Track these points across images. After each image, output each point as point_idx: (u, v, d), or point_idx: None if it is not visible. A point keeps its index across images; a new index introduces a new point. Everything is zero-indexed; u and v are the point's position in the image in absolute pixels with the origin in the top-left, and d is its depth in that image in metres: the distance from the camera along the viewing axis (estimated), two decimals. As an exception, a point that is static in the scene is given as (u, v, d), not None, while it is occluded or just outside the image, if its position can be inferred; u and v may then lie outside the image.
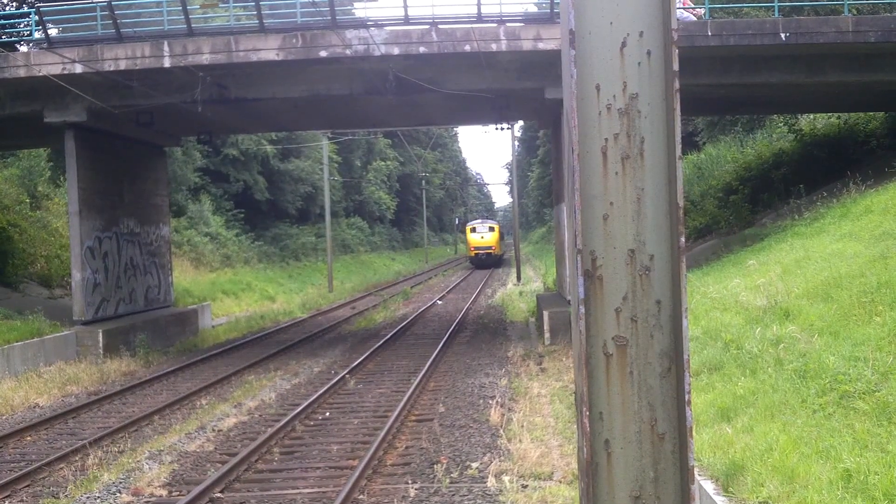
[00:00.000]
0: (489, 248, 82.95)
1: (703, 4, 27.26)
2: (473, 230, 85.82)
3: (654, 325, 3.38)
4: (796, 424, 10.37)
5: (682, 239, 3.31)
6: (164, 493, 13.38)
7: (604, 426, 3.41)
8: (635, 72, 3.40)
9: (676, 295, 3.34)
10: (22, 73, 25.76)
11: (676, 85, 3.32)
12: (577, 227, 3.35)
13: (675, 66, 3.32)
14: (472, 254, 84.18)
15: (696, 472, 9.84)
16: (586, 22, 3.39)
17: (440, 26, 25.53)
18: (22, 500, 13.49)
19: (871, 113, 34.56)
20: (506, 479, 12.87)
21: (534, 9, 37.49)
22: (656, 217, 3.38)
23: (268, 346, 30.78)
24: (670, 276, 3.37)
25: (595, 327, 3.41)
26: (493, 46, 25.16)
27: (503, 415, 17.31)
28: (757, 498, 8.82)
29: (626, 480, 3.41)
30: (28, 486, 14.13)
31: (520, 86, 27.01)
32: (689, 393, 3.30)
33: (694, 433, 10.08)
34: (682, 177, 3.35)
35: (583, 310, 3.37)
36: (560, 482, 12.70)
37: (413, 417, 18.19)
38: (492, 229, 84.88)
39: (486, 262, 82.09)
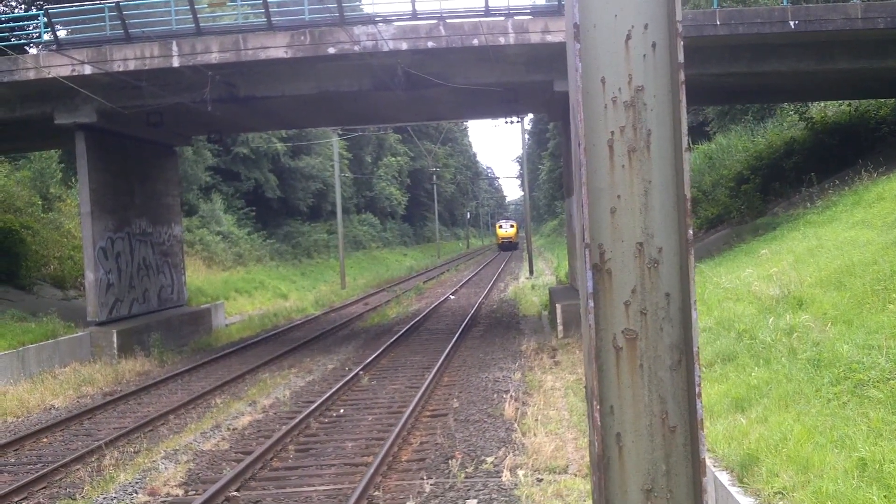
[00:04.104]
0: (510, 238, 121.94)
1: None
2: (500, 226, 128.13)
3: (664, 318, 3.37)
4: (810, 414, 10.34)
5: (691, 231, 3.30)
6: (180, 492, 13.43)
7: (615, 420, 3.40)
8: (641, 64, 3.38)
9: (685, 287, 3.33)
10: (32, 75, 25.82)
11: (682, 77, 3.30)
12: (584, 221, 3.34)
13: (681, 58, 3.30)
14: (499, 241, 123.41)
15: (707, 465, 9.82)
16: (591, 15, 3.37)
17: (448, 20, 25.51)
18: (39, 502, 13.54)
19: (882, 100, 34.42)
20: (521, 473, 12.87)
21: (542, 1, 37.43)
22: (664, 209, 3.36)
23: (281, 343, 30.84)
24: (679, 268, 3.36)
25: (604, 321, 3.39)
26: (501, 40, 25.13)
27: (517, 409, 17.31)
28: (772, 488, 8.80)
29: (638, 474, 3.40)
30: (45, 487, 14.18)
31: (528, 79, 26.99)
32: (699, 385, 3.30)
33: (706, 425, 10.02)
34: (689, 169, 3.34)
35: (592, 304, 3.36)
36: (575, 475, 12.70)
37: (427, 413, 18.21)
38: (512, 226, 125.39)
39: (508, 247, 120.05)
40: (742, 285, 18.85)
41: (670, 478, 3.40)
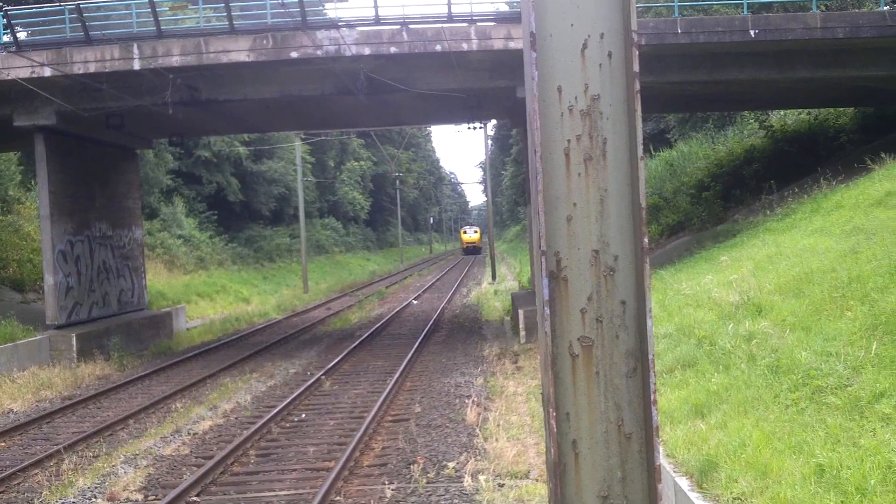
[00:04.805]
0: (474, 242, 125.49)
1: (673, 3, 27.37)
2: (465, 232, 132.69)
3: (620, 326, 3.40)
4: (769, 420, 10.43)
5: (646, 239, 3.33)
6: (140, 497, 13.34)
7: (571, 427, 3.41)
8: (597, 73, 3.40)
9: (641, 295, 3.36)
10: (-10, 76, 25.62)
11: (637, 86, 3.33)
12: (540, 229, 3.36)
13: (636, 68, 3.33)
14: (464, 246, 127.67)
15: (665, 471, 9.85)
16: (547, 24, 3.39)
17: (411, 26, 25.52)
18: (-5, 507, 13.42)
19: (841, 108, 34.78)
20: (482, 478, 12.89)
21: (505, 8, 37.52)
22: (620, 218, 3.39)
23: (243, 348, 30.69)
24: (634, 276, 3.39)
25: (561, 328, 3.41)
26: (464, 46, 25.16)
27: (479, 414, 17.33)
28: (731, 494, 8.86)
29: (593, 480, 3.42)
30: (2, 492, 14.03)
31: (491, 85, 27.03)
32: (654, 392, 3.32)
33: (665, 431, 10.08)
34: (645, 177, 3.36)
35: (548, 311, 3.38)
36: (537, 480, 12.72)
37: (389, 418, 18.18)
38: (476, 231, 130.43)
39: (472, 251, 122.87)
40: (702, 292, 18.97)
41: (626, 484, 3.42)
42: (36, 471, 15.17)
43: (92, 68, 25.50)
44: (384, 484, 13.25)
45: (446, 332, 32.74)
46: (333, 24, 25.97)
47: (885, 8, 25.64)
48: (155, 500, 13.13)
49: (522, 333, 26.73)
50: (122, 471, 14.91)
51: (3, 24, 26.58)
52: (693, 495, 9.23)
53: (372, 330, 33.28)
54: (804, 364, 11.41)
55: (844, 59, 26.11)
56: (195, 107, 28.01)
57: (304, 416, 18.87)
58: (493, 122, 75.65)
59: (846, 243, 17.23)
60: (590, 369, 3.41)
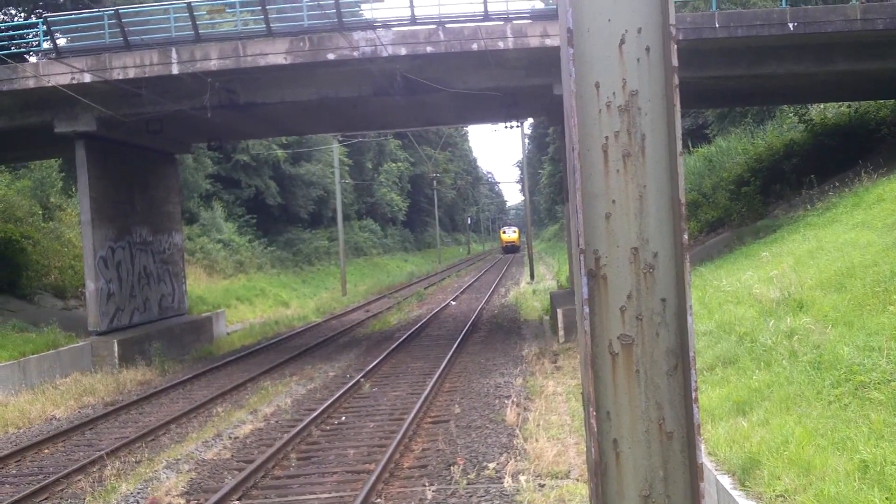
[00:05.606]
0: (513, 242, 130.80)
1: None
2: (504, 231, 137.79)
3: (660, 324, 3.36)
4: (812, 416, 10.32)
5: (685, 236, 3.29)
6: (182, 501, 13.40)
7: (611, 426, 3.38)
8: (634, 68, 3.37)
9: (681, 292, 3.32)
10: (31, 83, 25.83)
11: (676, 81, 3.29)
12: (579, 227, 3.33)
13: (675, 62, 3.29)
14: (503, 245, 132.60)
15: (707, 469, 9.77)
16: (584, 20, 3.37)
17: (447, 25, 25.51)
18: (40, 512, 13.52)
19: (882, 101, 34.40)
20: (523, 478, 12.83)
21: (540, 5, 37.43)
22: (659, 214, 3.35)
23: (283, 351, 30.80)
24: (674, 273, 3.35)
25: (600, 327, 3.38)
26: (501, 44, 25.11)
27: (519, 414, 17.29)
28: (774, 491, 8.78)
29: (635, 480, 3.39)
30: (46, 498, 14.16)
31: (528, 83, 26.96)
32: (695, 391, 3.28)
33: (706, 429, 9.99)
34: (684, 173, 3.33)
35: (587, 309, 3.35)
36: (577, 480, 12.67)
37: (429, 419, 18.18)
38: (514, 231, 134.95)
39: (511, 250, 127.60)
40: (743, 288, 18.83)
41: (668, 483, 3.38)
42: (79, 477, 15.29)
43: (131, 73, 25.68)
44: (425, 486, 13.24)
45: (485, 332, 32.70)
46: (370, 25, 26.01)
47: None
48: None
49: (561, 333, 26.64)
50: (165, 476, 15.00)
51: (44, 31, 26.82)
52: (735, 493, 9.15)
53: (411, 332, 33.30)
54: (847, 359, 11.29)
55: (885, 50, 25.81)
56: (233, 110, 28.14)
57: (344, 418, 18.91)
58: (530, 120, 75.66)
59: (888, 237, 17.05)
60: (630, 368, 3.37)
